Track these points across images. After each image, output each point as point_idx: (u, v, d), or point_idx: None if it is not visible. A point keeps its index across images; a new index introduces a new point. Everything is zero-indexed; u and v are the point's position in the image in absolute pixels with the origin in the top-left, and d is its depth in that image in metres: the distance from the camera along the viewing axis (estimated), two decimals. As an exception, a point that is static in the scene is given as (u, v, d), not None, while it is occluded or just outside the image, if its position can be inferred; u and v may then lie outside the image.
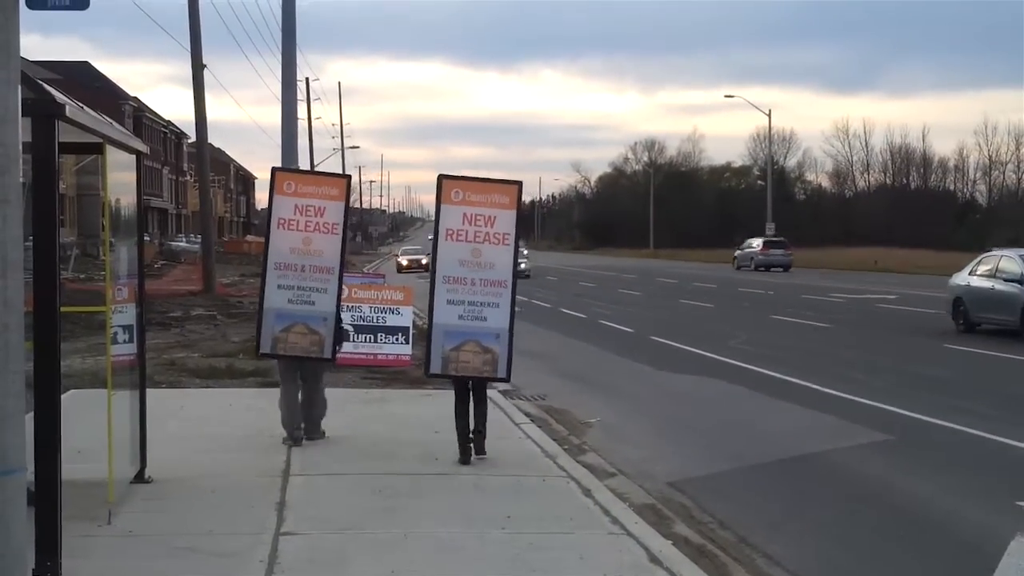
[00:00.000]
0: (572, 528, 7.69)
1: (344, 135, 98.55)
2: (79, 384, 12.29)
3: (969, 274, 23.93)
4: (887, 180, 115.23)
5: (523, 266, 52.01)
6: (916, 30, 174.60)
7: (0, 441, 4.89)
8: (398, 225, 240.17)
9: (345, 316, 15.89)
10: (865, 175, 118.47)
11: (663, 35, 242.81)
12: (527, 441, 11.03)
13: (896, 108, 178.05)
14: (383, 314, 16.35)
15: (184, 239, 78.20)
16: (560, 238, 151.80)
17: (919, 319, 27.51)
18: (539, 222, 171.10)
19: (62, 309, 6.19)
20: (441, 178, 10.05)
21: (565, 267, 70.12)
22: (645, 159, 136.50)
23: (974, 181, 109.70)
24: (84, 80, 70.25)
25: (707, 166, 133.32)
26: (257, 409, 12.36)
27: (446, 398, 10.68)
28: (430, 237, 10.90)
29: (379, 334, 16.28)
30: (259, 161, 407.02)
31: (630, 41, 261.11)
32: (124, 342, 8.27)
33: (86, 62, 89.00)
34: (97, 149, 7.38)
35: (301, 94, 67.19)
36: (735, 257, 69.54)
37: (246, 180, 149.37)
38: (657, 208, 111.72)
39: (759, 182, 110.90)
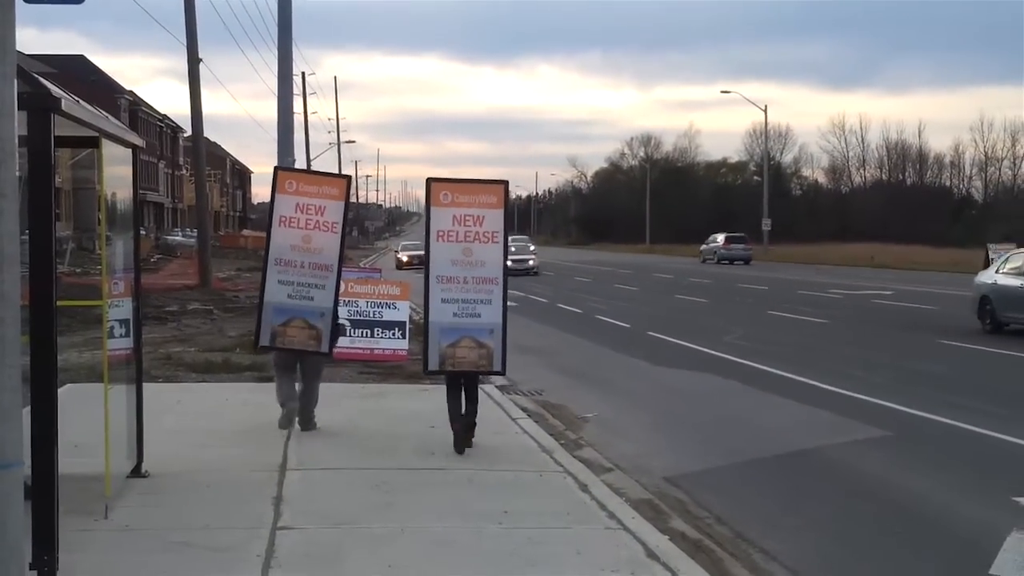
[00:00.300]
0: (569, 523, 7.69)
1: (340, 130, 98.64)
2: (76, 378, 12.30)
3: (996, 272, 22.84)
4: (883, 176, 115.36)
5: (531, 263, 51.15)
6: (913, 26, 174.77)
7: (-3, 435, 4.88)
8: (394, 220, 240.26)
9: (342, 311, 15.86)
10: (861, 171, 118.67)
11: (660, 31, 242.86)
12: (524, 436, 11.04)
13: (892, 104, 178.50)
14: (380, 309, 16.35)
15: (180, 233, 78.14)
16: (556, 233, 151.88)
17: (916, 315, 27.54)
18: (535, 217, 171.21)
19: (58, 303, 6.18)
20: (430, 181, 10.37)
21: (561, 262, 70.06)
22: (641, 154, 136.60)
23: (970, 177, 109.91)
24: (80, 74, 70.18)
25: (703, 161, 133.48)
26: (254, 403, 12.36)
27: (442, 393, 10.70)
28: None
29: (376, 329, 16.29)
30: (255, 155, 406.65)
31: (627, 37, 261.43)
32: (120, 336, 8.26)
33: (82, 56, 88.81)
34: (93, 143, 7.36)
35: (297, 89, 67.19)
36: (701, 251, 73.46)
37: (242, 174, 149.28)
38: (653, 203, 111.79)
39: (755, 178, 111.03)
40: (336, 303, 10.90)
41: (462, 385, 10.34)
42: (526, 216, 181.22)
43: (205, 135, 35.93)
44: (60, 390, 6.26)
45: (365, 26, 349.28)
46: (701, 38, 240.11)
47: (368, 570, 6.58)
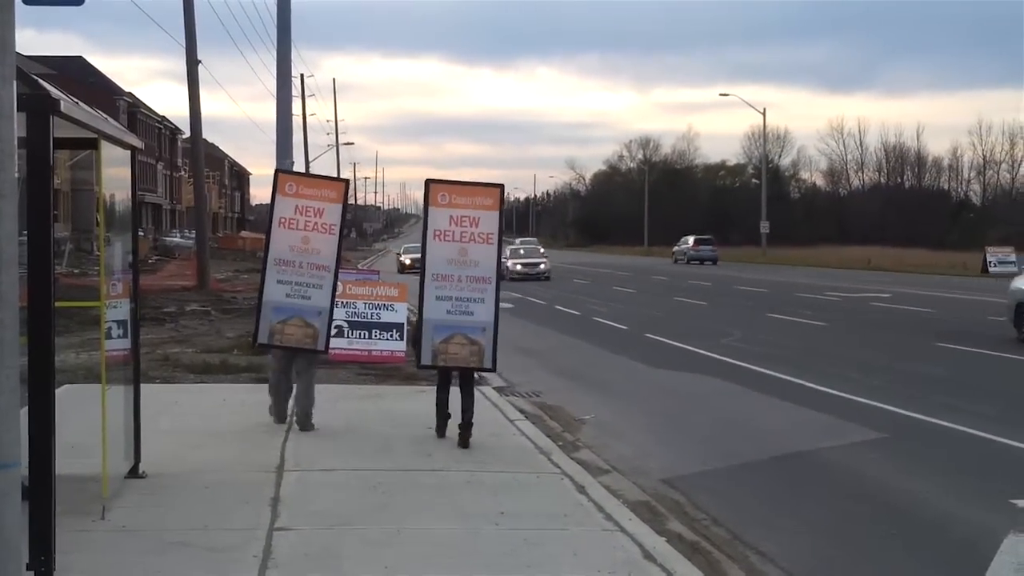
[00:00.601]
0: (566, 524, 7.70)
1: (339, 131, 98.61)
2: (73, 379, 12.28)
3: None
4: (881, 179, 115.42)
5: (542, 267, 49.45)
6: (911, 29, 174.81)
7: (-5, 436, 4.89)
8: (392, 222, 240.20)
9: (340, 312, 15.97)
10: (859, 174, 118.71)
11: (659, 33, 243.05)
12: (521, 438, 11.05)
13: (891, 107, 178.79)
14: (378, 310, 16.37)
15: (178, 234, 78.08)
16: (555, 235, 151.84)
17: (914, 318, 27.55)
18: (534, 219, 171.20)
19: (56, 304, 6.18)
20: (428, 182, 10.78)
21: (559, 264, 69.97)
22: (640, 157, 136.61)
23: (968, 180, 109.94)
24: (79, 75, 70.11)
25: (702, 164, 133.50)
26: (251, 404, 12.36)
27: (440, 395, 10.76)
28: None
29: (374, 330, 16.31)
30: (254, 157, 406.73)
31: (626, 39, 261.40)
32: (118, 337, 8.27)
33: (80, 57, 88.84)
34: (92, 145, 7.37)
35: (296, 90, 67.19)
36: (673, 252, 78.70)
37: (241, 176, 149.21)
38: (652, 206, 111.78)
39: (754, 180, 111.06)
40: (333, 303, 11.21)
41: (452, 381, 10.69)
42: (525, 218, 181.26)
43: (204, 137, 35.93)
44: (58, 391, 6.26)
45: (364, 28, 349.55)
46: (699, 41, 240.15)
47: (365, 571, 6.58)
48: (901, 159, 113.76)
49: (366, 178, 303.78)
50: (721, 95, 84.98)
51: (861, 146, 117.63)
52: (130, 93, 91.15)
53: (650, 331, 23.50)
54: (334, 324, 15.65)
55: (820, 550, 7.84)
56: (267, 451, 9.98)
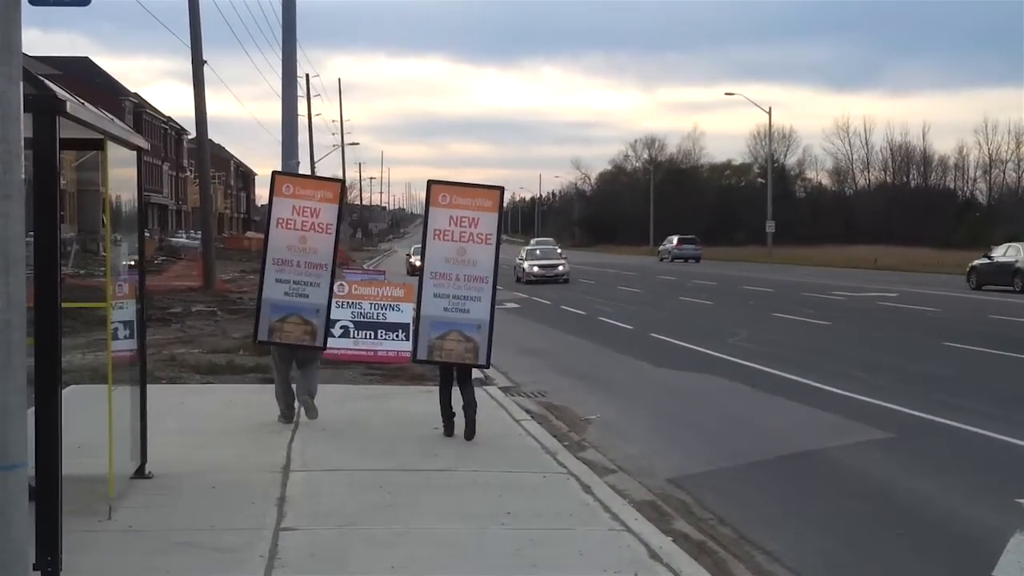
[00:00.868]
0: (572, 524, 7.70)
1: (344, 131, 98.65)
2: (79, 380, 12.30)
3: None
4: (887, 178, 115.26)
5: (561, 269, 46.30)
6: (917, 28, 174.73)
7: (2, 436, 4.89)
8: (398, 222, 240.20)
9: (345, 312, 16.02)
10: (865, 173, 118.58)
11: (664, 32, 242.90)
12: (527, 437, 11.05)
13: (896, 106, 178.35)
14: (383, 311, 16.38)
15: (184, 235, 78.18)
16: (560, 235, 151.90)
17: (920, 318, 27.51)
18: (539, 219, 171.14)
19: (63, 305, 6.19)
20: (430, 183, 11.09)
21: (565, 264, 69.97)
22: (645, 156, 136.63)
23: (974, 179, 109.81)
24: (84, 76, 70.23)
25: (707, 163, 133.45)
26: (257, 405, 12.38)
27: (446, 395, 10.78)
28: None
29: (379, 330, 16.32)
30: (259, 157, 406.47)
31: (631, 38, 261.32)
32: (124, 338, 8.28)
33: (86, 58, 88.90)
34: (98, 145, 7.38)
35: (301, 90, 67.16)
36: (659, 251, 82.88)
37: (246, 176, 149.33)
38: (657, 205, 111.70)
39: (759, 180, 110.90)
40: (330, 300, 11.53)
41: (453, 378, 10.98)
42: (530, 218, 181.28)
43: (209, 137, 35.97)
44: (64, 391, 6.27)
45: (369, 28, 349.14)
46: (704, 40, 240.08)
47: (371, 571, 6.59)
48: (907, 158, 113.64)
49: (371, 178, 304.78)
50: (727, 94, 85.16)
51: (867, 145, 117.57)
52: (135, 93, 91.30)
53: (656, 331, 23.49)
54: (340, 324, 15.75)
55: (826, 549, 7.83)
56: (273, 451, 9.99)
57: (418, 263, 11.05)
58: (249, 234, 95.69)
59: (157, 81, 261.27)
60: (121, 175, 8.12)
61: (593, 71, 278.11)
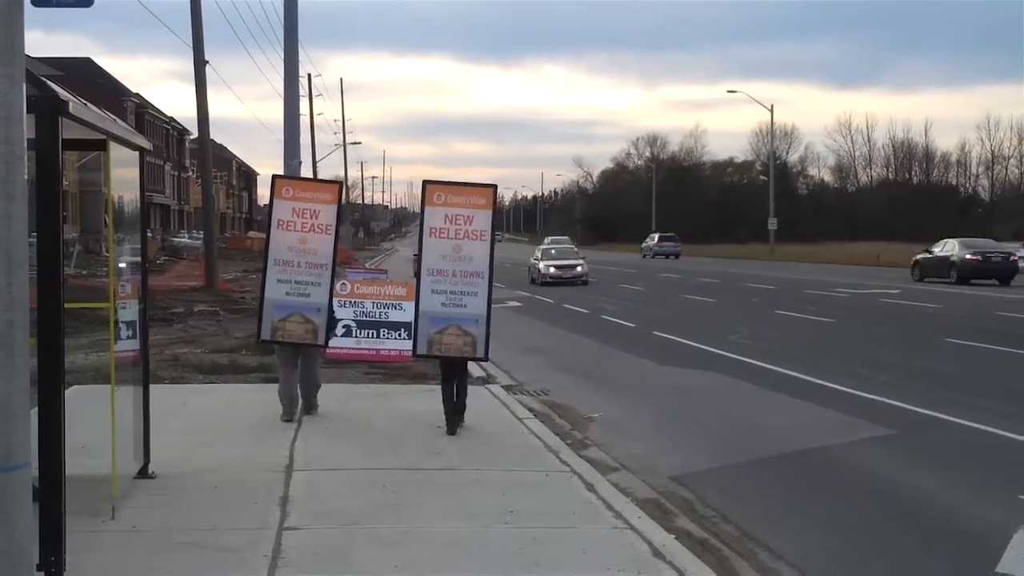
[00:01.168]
0: (575, 523, 7.70)
1: (346, 131, 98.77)
2: (82, 380, 12.33)
3: None
4: (889, 175, 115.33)
5: (579, 269, 43.40)
6: (919, 25, 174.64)
7: (6, 437, 4.89)
8: (400, 220, 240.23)
9: (348, 311, 16.04)
10: (867, 170, 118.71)
11: (666, 30, 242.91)
12: (530, 436, 11.05)
13: (898, 103, 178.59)
14: (385, 310, 16.39)
15: (186, 235, 78.23)
16: (563, 233, 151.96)
17: (923, 314, 27.49)
18: (541, 217, 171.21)
19: (65, 305, 6.20)
20: (425, 183, 11.44)
21: (567, 262, 69.95)
22: (647, 154, 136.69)
23: (976, 176, 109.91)
24: (86, 77, 70.24)
25: (709, 161, 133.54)
26: (260, 404, 12.39)
27: (449, 393, 10.79)
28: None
29: (381, 330, 16.33)
30: (261, 157, 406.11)
31: (632, 37, 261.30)
32: (127, 338, 8.29)
33: (88, 59, 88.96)
34: (100, 146, 7.39)
35: (303, 90, 67.14)
36: (641, 248, 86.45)
37: (248, 176, 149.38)
38: (659, 203, 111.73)
39: (761, 177, 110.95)
40: (331, 299, 11.79)
41: (454, 371, 11.29)
42: (532, 216, 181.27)
43: (211, 137, 35.96)
44: (67, 392, 6.28)
45: (370, 27, 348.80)
46: (706, 38, 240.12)
47: (375, 570, 6.60)
48: (909, 155, 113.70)
49: (373, 177, 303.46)
50: (729, 92, 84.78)
51: (869, 142, 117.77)
52: (137, 94, 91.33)
53: (658, 328, 23.49)
54: (342, 324, 15.77)
55: (830, 546, 7.83)
56: (276, 451, 10.00)
57: None
58: (251, 234, 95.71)
59: (159, 81, 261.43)
60: (123, 175, 8.13)
61: (595, 70, 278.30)
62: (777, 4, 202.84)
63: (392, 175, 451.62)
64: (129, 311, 8.32)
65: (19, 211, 4.94)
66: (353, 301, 16.23)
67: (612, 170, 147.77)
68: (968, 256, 41.09)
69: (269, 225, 11.81)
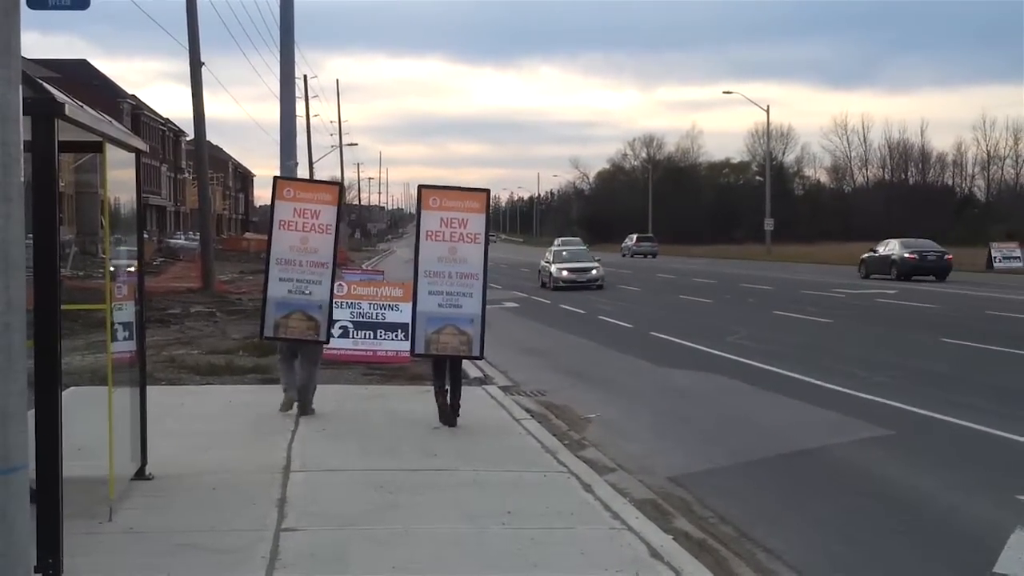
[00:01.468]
0: (573, 523, 7.70)
1: (342, 132, 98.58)
2: (79, 381, 12.30)
3: None
4: (885, 175, 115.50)
5: (594, 272, 41.03)
6: (915, 25, 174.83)
7: (3, 439, 4.89)
8: (396, 222, 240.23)
9: (345, 312, 16.04)
10: (863, 170, 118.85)
11: (661, 31, 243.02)
12: (527, 437, 11.05)
13: (895, 103, 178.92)
14: (383, 311, 16.39)
15: (183, 236, 78.16)
16: (559, 234, 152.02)
17: (919, 314, 27.51)
18: (537, 218, 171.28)
19: (62, 307, 6.19)
20: (420, 188, 11.85)
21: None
22: (644, 155, 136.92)
23: (972, 176, 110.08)
24: (82, 78, 70.21)
25: (705, 162, 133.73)
26: (257, 405, 12.39)
27: (446, 394, 10.79)
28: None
29: (379, 330, 16.32)
30: (258, 158, 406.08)
31: (628, 37, 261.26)
32: (124, 339, 8.28)
33: (84, 60, 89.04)
34: (96, 147, 7.38)
35: (299, 92, 67.15)
36: (621, 248, 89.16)
37: (244, 177, 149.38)
38: (656, 204, 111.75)
39: (757, 178, 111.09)
40: (332, 297, 12.12)
41: (446, 367, 11.60)
42: (529, 217, 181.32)
43: (207, 138, 35.94)
44: (64, 393, 6.27)
45: (366, 29, 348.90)
46: (702, 38, 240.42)
47: (372, 571, 6.59)
48: (905, 155, 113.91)
49: (370, 178, 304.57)
50: (725, 93, 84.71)
51: (865, 142, 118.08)
52: (133, 95, 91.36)
53: (655, 329, 23.49)
54: (339, 324, 15.76)
55: (828, 546, 7.84)
56: (273, 452, 9.99)
57: None
58: (248, 235, 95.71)
59: (155, 83, 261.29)
60: (120, 177, 8.13)
61: (591, 70, 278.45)
62: (772, 4, 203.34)
63: (388, 176, 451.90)
64: (126, 312, 8.31)
65: (16, 213, 4.94)
66: (350, 302, 16.23)
67: (608, 171, 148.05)
68: (907, 255, 44.35)
69: (271, 225, 12.06)
